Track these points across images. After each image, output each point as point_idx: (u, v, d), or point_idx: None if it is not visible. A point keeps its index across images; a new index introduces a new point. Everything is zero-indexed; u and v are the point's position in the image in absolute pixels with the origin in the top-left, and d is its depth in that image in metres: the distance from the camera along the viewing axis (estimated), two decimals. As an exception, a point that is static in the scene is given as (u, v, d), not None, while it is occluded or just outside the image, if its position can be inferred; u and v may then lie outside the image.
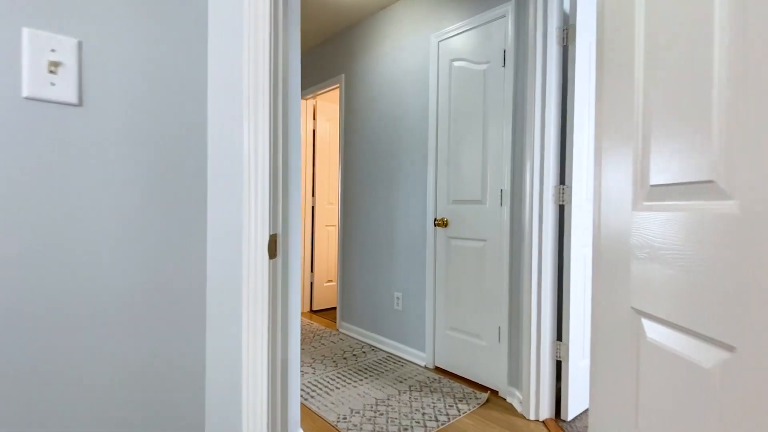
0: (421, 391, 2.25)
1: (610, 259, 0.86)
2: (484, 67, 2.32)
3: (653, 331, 0.71)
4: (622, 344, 0.80)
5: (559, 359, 2.00)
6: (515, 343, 2.16)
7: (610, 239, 0.87)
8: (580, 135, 1.98)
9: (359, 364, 2.65)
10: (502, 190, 2.22)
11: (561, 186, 2.00)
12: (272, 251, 0.93)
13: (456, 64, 2.47)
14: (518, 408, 2.08)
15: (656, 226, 0.70)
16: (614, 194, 0.85)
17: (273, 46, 0.96)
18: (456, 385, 2.33)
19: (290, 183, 1.51)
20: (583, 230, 2.01)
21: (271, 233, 0.94)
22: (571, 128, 1.96)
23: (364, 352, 2.86)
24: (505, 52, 2.21)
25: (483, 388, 2.30)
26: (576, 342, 1.98)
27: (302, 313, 3.88)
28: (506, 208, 2.19)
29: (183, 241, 0.92)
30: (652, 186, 0.73)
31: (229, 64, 0.95)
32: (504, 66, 2.21)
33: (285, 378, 1.09)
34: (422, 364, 2.64)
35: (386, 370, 2.54)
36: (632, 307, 0.77)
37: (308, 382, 2.36)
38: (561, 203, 2.00)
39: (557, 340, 2.02)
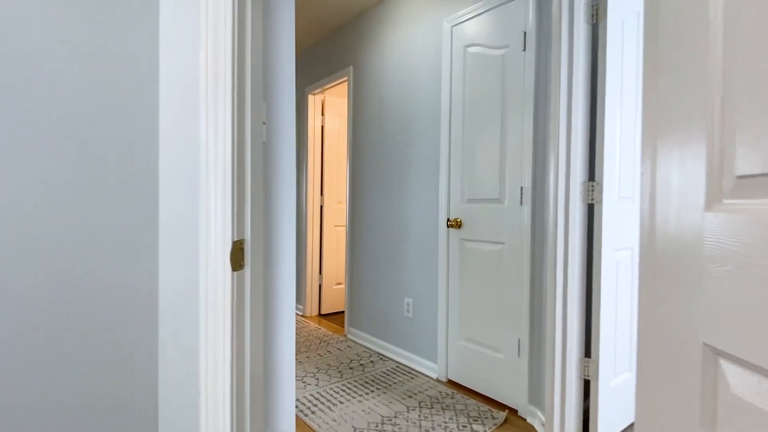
0: (432, 407, 2.06)
1: (668, 273, 0.66)
2: (501, 52, 2.10)
3: (742, 381, 0.51)
4: (687, 394, 0.59)
5: (587, 378, 1.77)
6: (537, 358, 1.94)
7: (668, 247, 0.66)
8: (612, 124, 1.75)
9: (366, 374, 2.47)
10: (522, 188, 2.00)
11: (590, 182, 1.77)
12: (236, 261, 0.75)
13: (471, 50, 2.26)
14: (540, 430, 1.86)
15: (749, 231, 0.50)
16: (675, 189, 0.64)
17: (237, 23, 0.78)
18: (470, 401, 2.12)
19: (278, 182, 1.34)
20: (616, 232, 1.78)
21: (236, 240, 0.76)
22: (601, 117, 1.73)
23: (372, 362, 2.68)
24: (525, 34, 1.99)
25: (501, 406, 2.09)
26: (607, 359, 1.75)
27: (310, 317, 3.73)
28: (527, 208, 1.97)
29: (124, 248, 0.75)
30: (740, 177, 0.52)
31: (184, 44, 0.78)
32: (524, 50, 1.99)
33: (260, 406, 0.92)
34: (434, 376, 2.44)
35: (395, 383, 2.35)
36: (705, 344, 0.57)
37: (310, 394, 2.19)
38: (590, 201, 1.77)
39: (585, 356, 1.80)
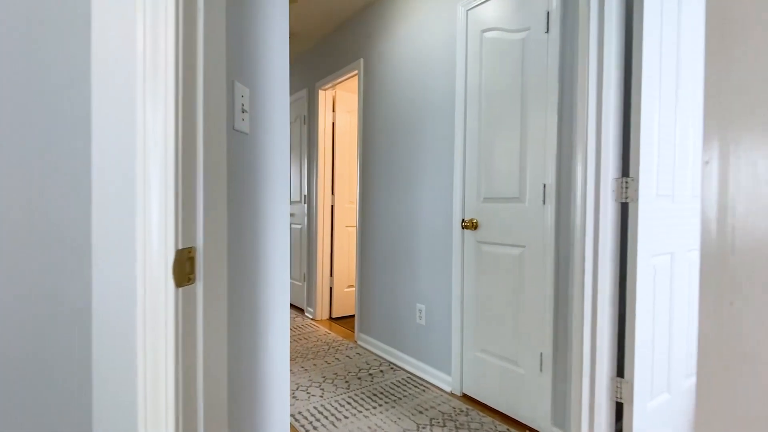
0: (445, 426, 1.88)
1: (759, 297, 0.47)
2: (522, 35, 1.91)
3: None
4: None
5: (619, 400, 1.56)
6: (562, 375, 1.74)
7: (759, 261, 0.47)
8: (650, 113, 1.54)
9: (375, 385, 2.31)
10: (545, 185, 1.80)
11: (623, 179, 1.56)
12: (182, 274, 0.61)
13: (488, 35, 2.07)
14: (565, 457, 1.66)
15: None
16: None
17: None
18: (487, 420, 1.93)
19: (266, 178, 1.19)
20: (653, 235, 1.56)
21: (181, 248, 0.61)
22: (637, 104, 1.52)
23: (381, 371, 2.52)
24: (548, 14, 1.79)
25: (520, 426, 1.90)
26: (643, 380, 1.54)
27: (320, 321, 3.60)
28: (550, 207, 1.77)
29: (47, 258, 0.61)
30: None
31: (118, 11, 0.63)
32: (547, 32, 1.79)
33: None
34: (447, 389, 2.26)
35: (405, 396, 2.19)
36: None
37: (313, 407, 2.05)
38: (623, 200, 1.56)
39: (617, 376, 1.59)
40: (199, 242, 0.64)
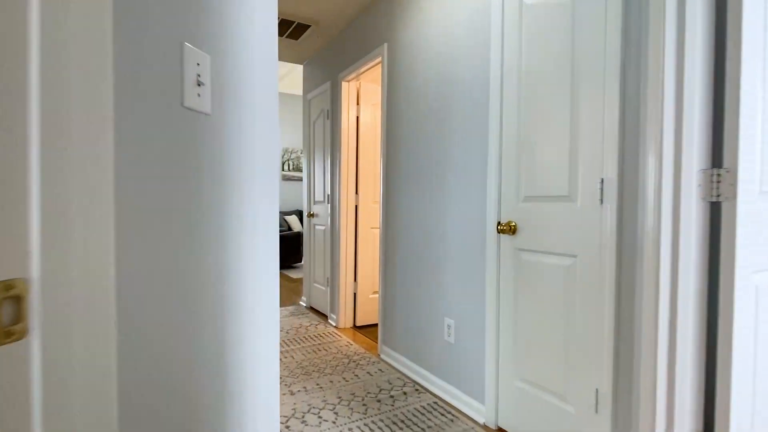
0: (476, 469, 1.57)
1: None
2: (573, -3, 1.56)
3: None
4: None
5: (708, 461, 1.19)
6: (625, 419, 1.38)
7: None
8: (752, 85, 1.16)
9: (396, 411, 2.03)
10: (603, 180, 1.45)
11: (714, 170, 1.19)
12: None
13: (529, 2, 1.73)
14: None
15: None
16: None
17: None
18: (528, 464, 1.60)
19: (234, 173, 0.94)
20: (758, 244, 1.18)
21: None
22: (734, 75, 1.15)
23: (404, 393, 2.23)
24: (607, -33, 1.43)
25: (570, 476, 1.55)
26: (742, 436, 1.17)
27: (344, 330, 3.36)
28: (610, 207, 1.42)
29: None
30: None
31: None
32: (606, -11, 1.44)
33: None
34: (480, 420, 1.94)
35: (430, 427, 1.89)
36: None
37: (324, 436, 1.80)
38: (714, 199, 1.19)
39: (705, 430, 1.22)
40: (34, 272, 0.38)
